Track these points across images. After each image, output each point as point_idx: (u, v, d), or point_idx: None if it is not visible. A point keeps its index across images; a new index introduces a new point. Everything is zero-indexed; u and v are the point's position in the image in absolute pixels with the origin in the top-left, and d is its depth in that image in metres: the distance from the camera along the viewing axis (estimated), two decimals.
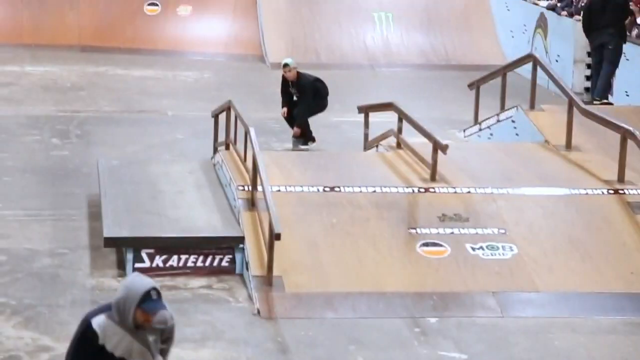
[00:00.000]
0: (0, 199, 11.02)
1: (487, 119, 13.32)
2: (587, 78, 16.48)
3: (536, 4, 18.36)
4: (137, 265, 9.24)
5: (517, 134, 12.58)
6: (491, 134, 13.13)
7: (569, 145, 11.62)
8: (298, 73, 13.00)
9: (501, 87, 13.44)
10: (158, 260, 9.28)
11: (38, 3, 19.24)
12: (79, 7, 19.32)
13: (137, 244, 9.31)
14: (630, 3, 15.43)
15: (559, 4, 17.55)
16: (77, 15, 19.25)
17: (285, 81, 13.13)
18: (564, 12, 17.23)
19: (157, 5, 19.52)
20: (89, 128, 13.93)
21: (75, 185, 11.61)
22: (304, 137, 13.00)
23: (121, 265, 9.33)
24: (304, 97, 13.00)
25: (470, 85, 14.18)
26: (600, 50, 14.33)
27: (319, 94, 13.15)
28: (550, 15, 17.55)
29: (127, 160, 11.85)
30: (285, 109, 13.19)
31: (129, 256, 9.25)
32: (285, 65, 13.04)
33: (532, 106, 12.78)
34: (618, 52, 14.63)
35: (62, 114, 14.55)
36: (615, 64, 14.57)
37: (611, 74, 14.68)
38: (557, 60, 17.04)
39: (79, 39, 19.02)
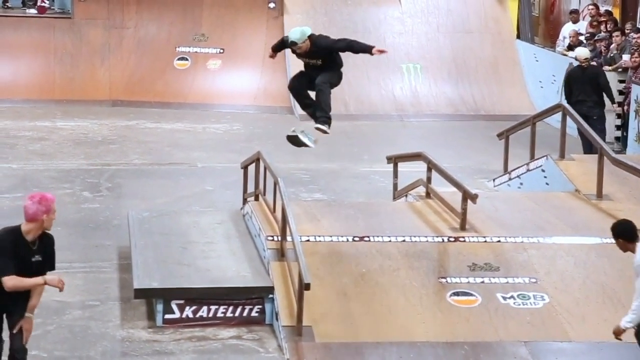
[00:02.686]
0: None
1: (516, 168, 13.29)
2: (617, 127, 16.44)
3: (565, 55, 18.37)
4: (167, 316, 9.24)
5: (547, 183, 12.53)
6: (521, 184, 13.08)
7: (599, 194, 11.55)
8: (311, 39, 9.92)
9: (530, 136, 13.43)
10: (188, 311, 9.28)
11: (69, 59, 19.51)
12: (110, 62, 19.57)
13: (167, 295, 9.32)
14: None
15: None
16: (108, 70, 19.50)
17: (298, 55, 10.12)
18: (593, 62, 17.23)
19: (187, 59, 19.73)
20: (119, 181, 14.03)
21: (106, 237, 11.66)
22: (326, 114, 10.12)
23: (151, 317, 9.34)
24: (329, 62, 10.05)
25: (499, 135, 14.17)
26: (585, 120, 14.00)
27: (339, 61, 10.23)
28: None
29: (157, 211, 11.90)
30: (271, 52, 10.46)
31: (159, 307, 9.26)
32: (293, 43, 9.83)
33: (562, 155, 12.75)
34: (602, 121, 14.63)
35: (93, 167, 14.68)
36: (603, 132, 14.44)
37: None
38: None
39: (109, 94, 19.24)
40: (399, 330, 8.91)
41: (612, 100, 15.08)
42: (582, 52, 15.31)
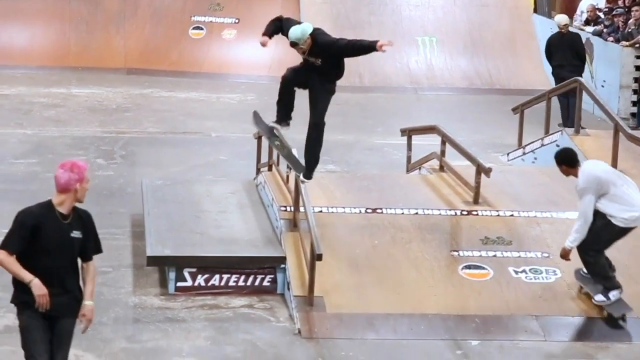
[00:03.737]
0: None
1: (531, 142, 13.25)
2: (634, 103, 16.36)
3: (582, 30, 18.25)
4: (179, 284, 9.28)
5: None
6: (535, 158, 13.05)
7: None
8: (312, 36, 9.06)
9: (546, 111, 13.38)
10: (200, 279, 9.32)
11: (85, 26, 19.49)
12: (125, 30, 19.56)
13: (179, 262, 9.36)
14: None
15: (605, 30, 17.45)
16: (123, 38, 19.49)
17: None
18: (610, 38, 17.13)
19: (202, 29, 19.70)
20: (133, 149, 14.06)
21: (120, 204, 11.70)
22: (313, 167, 9.54)
23: (163, 284, 9.38)
24: (329, 65, 9.14)
25: (514, 109, 14.12)
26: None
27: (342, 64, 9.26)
28: (596, 41, 17.44)
29: (171, 180, 11.92)
30: (266, 38, 9.38)
31: (171, 275, 9.30)
32: (294, 44, 9.04)
33: (577, 131, 12.70)
34: None
35: (107, 135, 14.70)
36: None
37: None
38: (602, 86, 16.93)
39: (124, 62, 19.24)
40: (410, 302, 8.92)
41: (583, 64, 15.34)
42: (561, 18, 15.61)
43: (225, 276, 9.33)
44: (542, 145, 12.97)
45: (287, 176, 10.55)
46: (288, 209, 10.00)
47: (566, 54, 15.01)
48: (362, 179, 11.55)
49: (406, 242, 9.67)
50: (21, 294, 6.24)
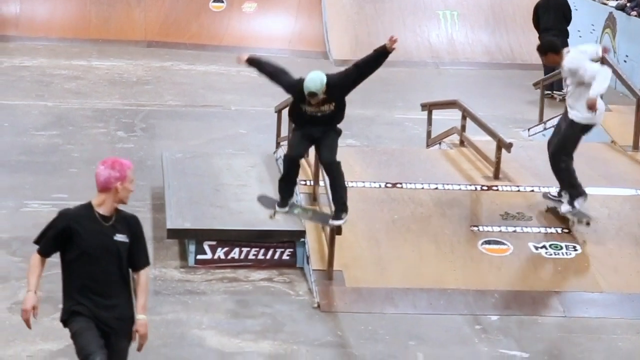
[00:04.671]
0: (67, 190, 11.18)
1: (552, 118, 13.16)
2: None
3: (605, 4, 18.10)
4: (199, 256, 9.31)
5: None
6: None
7: (636, 146, 11.45)
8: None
9: None
10: (220, 253, 9.34)
11: None
12: (146, 4, 19.55)
13: (199, 235, 9.39)
14: None
15: (628, 4, 17.29)
16: (144, 12, 19.48)
17: (300, 95, 8.25)
18: (634, 12, 16.96)
19: (222, 2, 19.65)
20: (153, 121, 14.08)
21: (140, 177, 11.69)
22: (345, 202, 8.59)
23: (183, 257, 9.41)
24: (340, 107, 8.40)
25: (535, 84, 14.03)
26: None
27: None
28: (619, 15, 17.28)
29: (191, 153, 11.94)
30: (245, 56, 8.73)
31: (191, 248, 9.33)
32: (312, 94, 8.06)
33: None
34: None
35: (127, 108, 14.72)
36: None
37: None
38: (625, 61, 16.79)
39: (145, 35, 19.24)
40: (429, 277, 8.92)
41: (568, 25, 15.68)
42: None
43: (245, 249, 9.36)
44: None
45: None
46: (308, 182, 10.01)
47: (552, 17, 15.29)
48: (382, 153, 11.53)
49: (426, 217, 9.65)
50: (68, 306, 5.77)
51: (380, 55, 8.32)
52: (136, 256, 5.77)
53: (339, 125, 8.58)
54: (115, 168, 5.72)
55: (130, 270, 5.81)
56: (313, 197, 9.79)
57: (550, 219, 9.66)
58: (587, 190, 10.04)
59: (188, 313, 8.28)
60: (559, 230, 9.51)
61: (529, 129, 13.66)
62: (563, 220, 9.62)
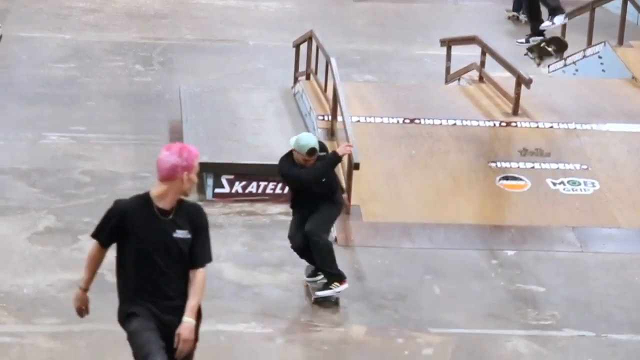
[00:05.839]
0: (85, 122, 11.21)
1: (572, 54, 13.05)
2: None
3: None
4: (217, 190, 9.34)
5: (603, 70, 12.32)
6: (576, 70, 12.87)
7: None
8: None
9: (589, 22, 13.12)
10: (237, 186, 9.37)
11: None
12: None
13: (217, 169, 9.41)
14: None
15: None
16: None
17: (293, 162, 7.48)
18: None
19: None
20: (171, 55, 14.03)
21: (157, 110, 11.74)
22: (330, 273, 7.48)
23: (201, 190, 9.44)
24: (332, 179, 7.57)
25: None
26: None
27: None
28: None
29: (209, 87, 11.92)
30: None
31: (209, 181, 9.35)
32: (313, 152, 7.35)
33: (620, 42, 12.49)
34: None
35: (145, 41, 14.66)
36: None
37: None
38: None
39: None
40: (446, 212, 8.93)
41: None
42: None
43: (262, 184, 9.38)
44: (584, 56, 12.78)
45: (325, 85, 10.50)
46: (326, 118, 9.99)
47: None
48: (400, 89, 11.47)
49: (444, 152, 9.63)
50: (126, 307, 5.10)
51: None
52: (195, 252, 5.03)
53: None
54: (183, 156, 4.98)
55: None
56: (331, 133, 9.77)
57: (568, 155, 9.62)
58: (607, 127, 10.01)
59: None
60: (578, 166, 9.48)
61: (549, 66, 13.52)
62: (582, 156, 9.58)
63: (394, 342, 6.92)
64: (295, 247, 7.58)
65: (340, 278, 7.40)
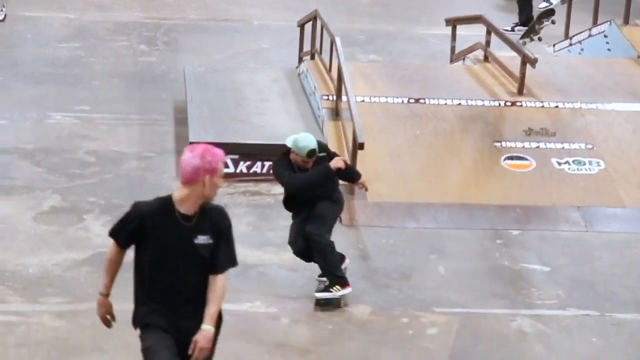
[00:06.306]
0: (89, 102, 11.20)
1: (578, 33, 13.02)
2: None
3: None
4: None
5: (609, 49, 12.28)
6: (582, 49, 12.84)
7: None
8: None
9: (594, 1, 13.08)
10: (242, 166, 9.37)
11: None
12: None
13: (221, 149, 9.37)
14: None
15: None
16: None
17: (289, 162, 7.12)
18: None
19: None
20: (175, 35, 14.01)
21: (162, 90, 11.73)
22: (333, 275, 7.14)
23: None
24: (327, 185, 7.15)
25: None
26: None
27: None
28: None
29: (213, 67, 11.90)
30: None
31: None
32: (312, 154, 7.02)
33: (626, 21, 12.44)
34: None
35: (149, 21, 14.63)
36: None
37: None
38: None
39: None
40: (451, 192, 8.93)
41: None
42: None
43: (267, 163, 9.36)
44: (590, 35, 12.74)
45: (330, 64, 10.48)
46: (330, 97, 9.98)
47: None
48: (405, 68, 11.45)
49: (448, 132, 9.62)
50: (142, 314, 4.87)
51: (351, 175, 7.43)
52: (217, 257, 4.79)
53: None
54: (206, 158, 4.72)
55: None
56: (336, 113, 9.76)
57: (573, 134, 9.61)
58: (613, 106, 9.99)
59: None
60: (583, 146, 9.47)
61: (554, 45, 13.50)
62: (587, 136, 9.57)
63: (399, 321, 6.93)
64: (297, 252, 7.19)
65: (342, 281, 7.07)
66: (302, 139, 7.04)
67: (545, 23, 9.91)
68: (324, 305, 7.06)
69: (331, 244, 7.07)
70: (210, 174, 4.73)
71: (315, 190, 7.05)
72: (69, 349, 6.31)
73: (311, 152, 6.97)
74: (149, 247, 4.76)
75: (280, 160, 7.15)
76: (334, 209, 7.16)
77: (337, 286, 7.05)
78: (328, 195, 7.12)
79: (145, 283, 4.81)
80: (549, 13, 9.85)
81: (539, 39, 10.10)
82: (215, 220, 4.79)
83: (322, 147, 7.19)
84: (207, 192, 4.75)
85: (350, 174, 7.39)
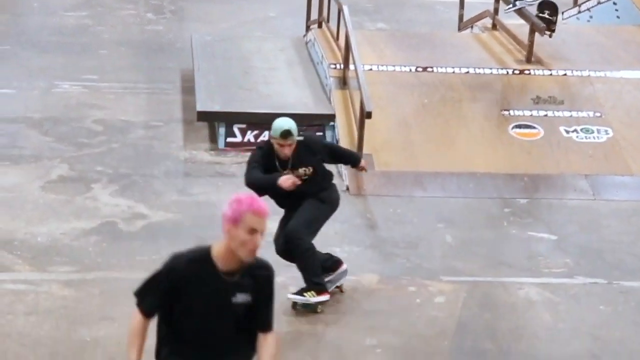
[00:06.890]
0: (97, 71, 11.19)
1: (587, 1, 12.93)
2: None
3: None
4: (229, 139, 9.34)
5: (618, 17, 12.21)
6: (591, 17, 12.76)
7: None
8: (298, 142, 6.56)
9: None
10: (250, 135, 9.36)
11: None
12: None
13: (229, 118, 9.39)
14: None
15: None
16: None
17: (269, 154, 6.56)
18: None
19: None
20: (182, 4, 13.96)
21: (169, 59, 11.71)
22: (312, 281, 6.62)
23: (213, 139, 9.44)
24: (321, 174, 6.65)
25: None
26: None
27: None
28: None
29: (220, 36, 11.87)
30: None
31: (221, 130, 9.35)
32: (287, 135, 6.47)
33: None
34: None
35: None
36: None
37: None
38: None
39: None
40: (459, 161, 8.92)
41: None
42: None
43: None
44: (599, 3, 12.65)
45: (337, 33, 10.44)
46: (338, 66, 9.94)
47: None
48: (413, 37, 11.40)
49: (456, 101, 9.59)
50: (167, 356, 4.28)
51: (349, 162, 7.11)
52: (261, 314, 4.25)
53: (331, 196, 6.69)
54: (232, 205, 4.03)
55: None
56: (343, 81, 9.73)
57: (582, 102, 9.57)
58: (621, 74, 9.93)
59: (218, 194, 8.35)
60: (591, 114, 9.44)
61: (562, 12, 13.40)
62: (595, 104, 9.53)
63: (406, 290, 6.94)
64: (279, 251, 6.54)
65: (318, 288, 6.52)
66: (279, 120, 6.54)
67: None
68: (301, 308, 6.57)
69: (311, 248, 6.52)
70: (230, 222, 4.03)
71: (277, 190, 6.43)
72: (77, 317, 6.34)
73: (285, 133, 6.40)
74: (182, 305, 4.18)
75: (259, 148, 6.67)
76: (322, 209, 6.56)
77: (313, 292, 6.54)
78: (312, 195, 6.53)
79: (171, 332, 4.26)
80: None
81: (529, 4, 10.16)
82: (258, 281, 4.20)
83: (314, 141, 6.78)
84: (233, 246, 4.05)
85: (350, 160, 7.00)
